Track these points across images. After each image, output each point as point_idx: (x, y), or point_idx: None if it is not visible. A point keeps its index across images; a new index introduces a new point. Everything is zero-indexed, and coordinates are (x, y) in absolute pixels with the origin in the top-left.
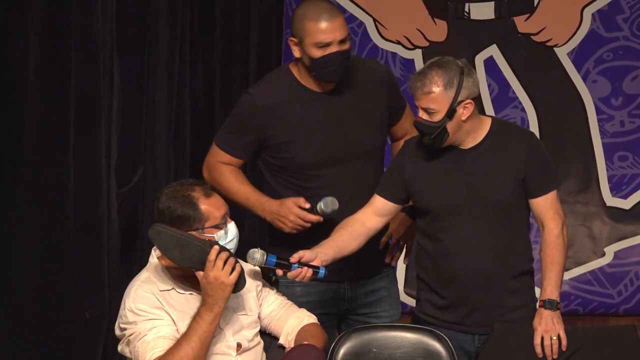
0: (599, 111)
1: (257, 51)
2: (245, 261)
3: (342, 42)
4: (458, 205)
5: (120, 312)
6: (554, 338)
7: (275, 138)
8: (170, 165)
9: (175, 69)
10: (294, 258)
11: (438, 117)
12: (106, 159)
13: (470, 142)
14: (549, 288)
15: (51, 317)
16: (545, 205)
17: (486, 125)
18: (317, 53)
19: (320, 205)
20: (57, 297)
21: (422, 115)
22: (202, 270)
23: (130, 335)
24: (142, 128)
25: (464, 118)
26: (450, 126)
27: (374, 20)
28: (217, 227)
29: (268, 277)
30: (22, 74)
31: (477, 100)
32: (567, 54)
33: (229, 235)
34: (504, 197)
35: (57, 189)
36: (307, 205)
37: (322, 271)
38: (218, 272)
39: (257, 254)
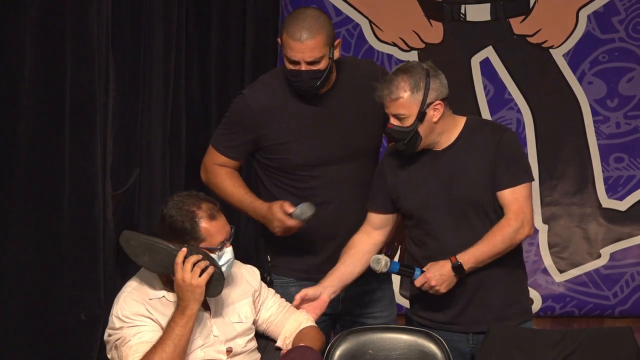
0: (594, 113)
1: (252, 52)
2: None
3: (311, 63)
4: (438, 206)
5: (109, 318)
6: (431, 290)
7: (269, 139)
8: (166, 167)
9: (171, 70)
10: (296, 300)
11: (409, 122)
12: (102, 160)
13: (444, 143)
14: (469, 256)
15: (46, 319)
16: (510, 199)
17: (460, 124)
18: (288, 65)
19: (296, 212)
20: (52, 298)
21: (393, 121)
22: None
23: (117, 340)
24: (137, 129)
25: (435, 120)
26: (422, 129)
27: (370, 22)
28: (211, 250)
29: (263, 278)
30: (17, 75)
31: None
32: (563, 55)
33: (222, 260)
34: (480, 195)
35: (53, 190)
36: (291, 210)
37: (417, 273)
38: (187, 274)
39: (382, 260)
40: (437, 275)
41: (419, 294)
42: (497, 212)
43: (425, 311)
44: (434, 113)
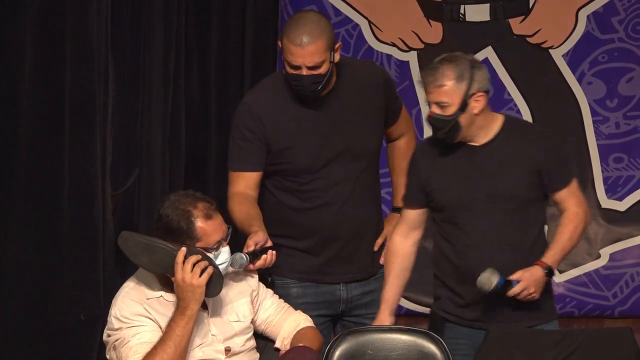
0: (594, 113)
1: (252, 52)
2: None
3: (313, 68)
4: (472, 201)
5: (108, 318)
6: (531, 298)
7: (275, 144)
8: (165, 167)
9: (171, 70)
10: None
11: (451, 111)
12: (101, 161)
13: (482, 138)
14: (555, 258)
15: (46, 319)
16: (566, 195)
17: (498, 121)
18: (289, 69)
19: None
20: (52, 298)
21: (435, 109)
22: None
23: (116, 341)
24: (137, 129)
25: (476, 111)
26: (463, 119)
27: (369, 22)
28: (207, 250)
29: (264, 279)
30: (17, 75)
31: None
32: (562, 55)
33: (218, 260)
34: (518, 192)
35: (52, 190)
36: (261, 245)
37: (514, 283)
38: (187, 274)
39: (487, 273)
40: (533, 282)
41: (444, 290)
42: (534, 209)
43: (452, 307)
44: (476, 104)
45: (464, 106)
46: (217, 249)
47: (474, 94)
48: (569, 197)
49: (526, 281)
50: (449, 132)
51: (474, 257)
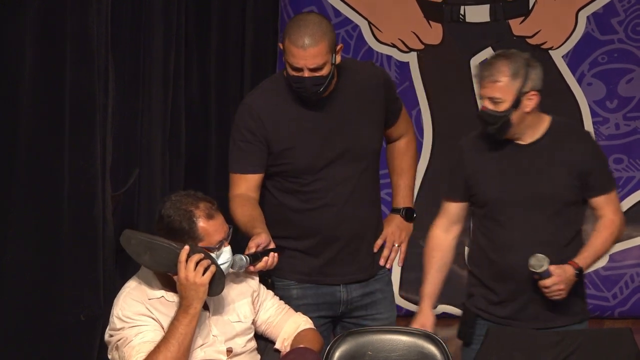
0: (594, 114)
1: (252, 52)
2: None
3: (314, 70)
4: (514, 199)
5: (110, 318)
6: (558, 295)
7: (275, 145)
8: (165, 167)
9: (171, 71)
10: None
11: (503, 107)
12: (101, 161)
13: (529, 137)
14: (587, 260)
15: (46, 319)
16: (605, 202)
17: (545, 122)
18: (290, 71)
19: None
20: (52, 298)
21: (487, 104)
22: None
23: (118, 341)
24: (137, 129)
25: (528, 109)
26: (514, 117)
27: (369, 23)
28: (209, 249)
29: (264, 281)
30: (17, 75)
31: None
32: (562, 56)
33: (220, 260)
34: (561, 194)
35: (52, 190)
36: (263, 247)
37: (546, 274)
38: (190, 273)
39: (540, 255)
40: (565, 279)
41: (478, 288)
42: (575, 211)
43: (485, 304)
44: (528, 103)
45: (516, 103)
46: (219, 248)
47: (527, 92)
48: (607, 204)
49: (559, 277)
50: (499, 128)
51: (512, 254)
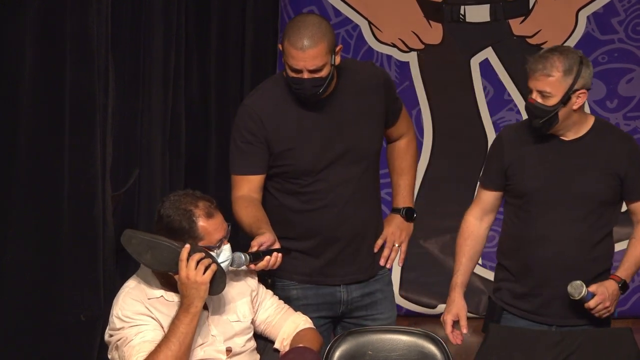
0: (594, 113)
1: (252, 52)
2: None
3: (314, 71)
4: (551, 193)
5: (109, 318)
6: (605, 313)
7: (276, 146)
8: (165, 167)
9: (171, 71)
10: (448, 325)
11: (552, 102)
12: (101, 161)
13: (572, 134)
14: (629, 272)
15: (46, 319)
16: None
17: (590, 121)
18: (290, 73)
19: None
20: (52, 299)
21: (536, 97)
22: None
23: (118, 341)
24: (137, 129)
25: (575, 107)
26: (562, 113)
27: (369, 22)
28: (209, 248)
29: (264, 281)
30: (17, 75)
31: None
32: None
33: (220, 258)
34: (598, 194)
35: (52, 190)
36: (267, 246)
37: (589, 296)
38: (191, 271)
39: (583, 289)
40: (609, 296)
41: (505, 282)
42: (609, 212)
43: (510, 298)
44: (577, 100)
45: (566, 100)
46: (219, 247)
47: (577, 89)
48: None
49: (602, 295)
50: (545, 122)
51: (542, 248)
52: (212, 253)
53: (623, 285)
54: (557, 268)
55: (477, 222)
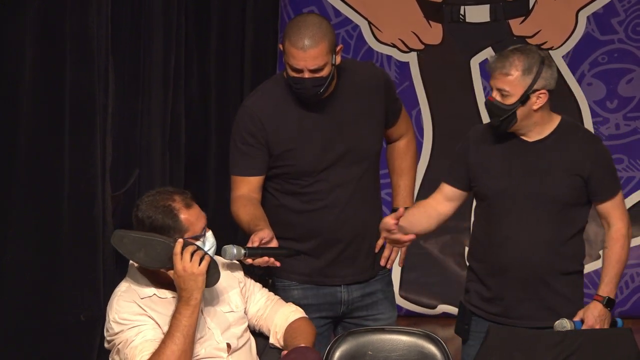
0: (594, 114)
1: (252, 52)
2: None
3: (315, 71)
4: (514, 195)
5: (106, 325)
6: None
7: (276, 147)
8: (165, 168)
9: (171, 71)
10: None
11: (510, 101)
12: (101, 162)
13: (535, 135)
14: (610, 286)
15: (46, 319)
16: (613, 207)
17: (555, 121)
18: (290, 72)
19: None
20: (52, 299)
21: (495, 95)
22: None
23: (119, 344)
24: (137, 130)
25: (535, 107)
26: (520, 112)
27: (369, 23)
28: (196, 238)
29: (264, 281)
30: (17, 75)
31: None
32: (562, 56)
33: (207, 245)
34: (562, 195)
35: (52, 191)
36: (266, 241)
37: (578, 325)
38: (187, 263)
39: (568, 324)
40: (596, 319)
41: (473, 283)
42: (576, 213)
43: (478, 301)
44: (537, 100)
45: (524, 99)
46: (204, 234)
47: (537, 90)
48: (614, 210)
49: (589, 320)
50: (503, 121)
51: (508, 251)
52: (198, 242)
53: (608, 302)
54: (522, 270)
55: (434, 202)
